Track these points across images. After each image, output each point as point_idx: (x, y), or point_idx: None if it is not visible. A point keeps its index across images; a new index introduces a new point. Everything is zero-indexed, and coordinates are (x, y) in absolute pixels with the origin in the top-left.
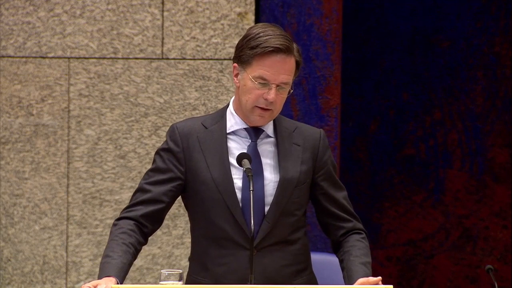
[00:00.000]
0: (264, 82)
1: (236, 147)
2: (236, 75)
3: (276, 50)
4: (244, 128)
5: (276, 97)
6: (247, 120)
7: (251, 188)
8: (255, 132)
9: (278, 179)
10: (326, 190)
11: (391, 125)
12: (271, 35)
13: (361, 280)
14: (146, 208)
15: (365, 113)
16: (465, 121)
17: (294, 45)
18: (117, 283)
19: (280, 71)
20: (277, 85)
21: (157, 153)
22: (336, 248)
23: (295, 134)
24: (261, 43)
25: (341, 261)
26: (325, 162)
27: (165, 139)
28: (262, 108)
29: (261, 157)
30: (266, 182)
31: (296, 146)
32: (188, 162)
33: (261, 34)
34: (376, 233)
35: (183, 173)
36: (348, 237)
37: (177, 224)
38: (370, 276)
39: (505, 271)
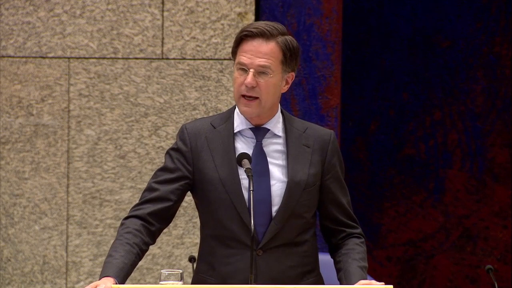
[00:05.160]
0: (243, 68)
1: (243, 147)
2: None
3: (251, 35)
4: (250, 128)
5: (255, 82)
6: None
7: (251, 188)
8: (260, 131)
9: (285, 180)
10: (333, 193)
11: (391, 125)
12: (255, 24)
13: (362, 281)
14: (154, 206)
15: (365, 113)
16: (465, 121)
17: (284, 36)
18: (116, 283)
19: (257, 54)
20: (256, 70)
21: (167, 153)
22: (333, 249)
23: (306, 135)
24: (241, 31)
25: (337, 262)
26: (333, 165)
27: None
28: (247, 97)
29: (268, 157)
30: (272, 182)
31: (305, 147)
32: (196, 162)
33: (247, 25)
34: (376, 233)
35: (190, 172)
36: (347, 240)
37: (177, 224)
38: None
39: (505, 271)
